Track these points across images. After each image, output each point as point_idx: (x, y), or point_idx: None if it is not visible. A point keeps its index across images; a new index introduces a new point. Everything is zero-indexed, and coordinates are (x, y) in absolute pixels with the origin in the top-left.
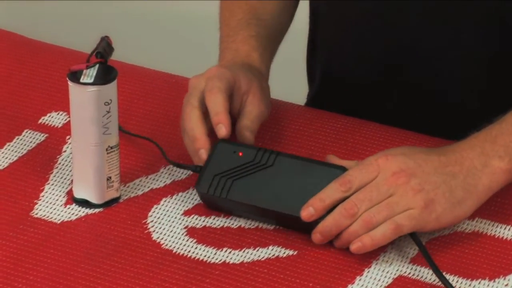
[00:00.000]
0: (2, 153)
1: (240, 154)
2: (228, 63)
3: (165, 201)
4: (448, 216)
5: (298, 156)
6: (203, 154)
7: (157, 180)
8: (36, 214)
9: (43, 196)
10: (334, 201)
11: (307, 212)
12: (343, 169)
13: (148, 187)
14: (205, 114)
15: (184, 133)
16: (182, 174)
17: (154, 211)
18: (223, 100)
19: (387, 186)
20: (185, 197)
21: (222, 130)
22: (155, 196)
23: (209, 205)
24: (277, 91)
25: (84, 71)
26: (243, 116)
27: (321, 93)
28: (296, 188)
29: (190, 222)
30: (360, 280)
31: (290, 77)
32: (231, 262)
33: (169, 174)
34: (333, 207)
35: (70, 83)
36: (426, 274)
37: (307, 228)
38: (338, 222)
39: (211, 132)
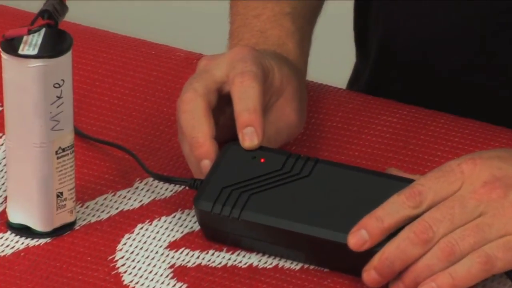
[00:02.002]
0: None
1: (262, 160)
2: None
3: (141, 228)
4: None
5: (344, 164)
6: (207, 166)
7: (130, 199)
8: None
9: None
10: (397, 222)
11: (357, 238)
12: (410, 182)
13: (117, 209)
14: (215, 108)
15: (181, 133)
16: (166, 190)
17: (125, 243)
18: (260, 93)
19: (476, 201)
20: (171, 222)
21: (253, 139)
22: (127, 222)
23: (210, 233)
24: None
25: (25, 38)
26: (265, 124)
27: (379, 72)
28: (342, 206)
29: (178, 259)
30: None
31: (324, 52)
32: None
33: (148, 190)
34: (396, 230)
35: (3, 56)
36: None
37: (356, 263)
38: (404, 252)
39: (223, 135)
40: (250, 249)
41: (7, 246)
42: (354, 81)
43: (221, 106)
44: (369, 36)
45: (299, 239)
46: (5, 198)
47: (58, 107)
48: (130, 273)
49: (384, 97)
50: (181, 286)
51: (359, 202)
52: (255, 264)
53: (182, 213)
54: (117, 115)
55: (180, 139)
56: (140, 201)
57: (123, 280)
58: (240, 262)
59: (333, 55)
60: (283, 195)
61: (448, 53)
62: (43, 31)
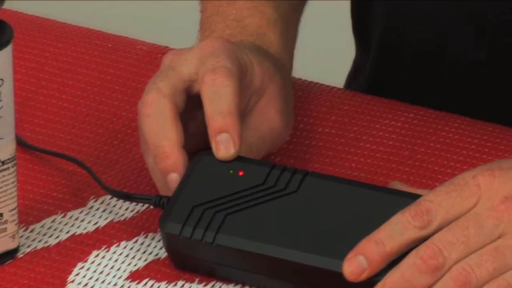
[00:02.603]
0: None
1: (241, 173)
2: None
3: (97, 256)
4: None
5: (338, 177)
6: (174, 180)
7: (83, 221)
8: None
9: None
10: (401, 245)
11: (354, 265)
12: (417, 198)
13: (68, 232)
14: (183, 111)
15: (143, 142)
16: (126, 210)
17: (78, 273)
18: (235, 92)
19: (494, 220)
20: (132, 248)
21: (229, 148)
22: (80, 248)
23: (179, 261)
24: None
25: None
26: (244, 131)
27: (381, 67)
28: (336, 228)
29: None
30: None
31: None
32: None
33: (105, 210)
34: (400, 256)
35: None
36: None
37: None
38: (409, 282)
39: (194, 143)
40: (227, 279)
41: None
42: (353, 78)
43: (191, 109)
44: (369, 26)
45: (285, 267)
46: None
47: None
48: None
49: (387, 96)
50: None
51: (356, 223)
52: None
53: (146, 237)
54: (67, 121)
55: (142, 149)
56: (96, 223)
57: None
58: None
59: (327, 49)
60: (266, 215)
61: (462, 43)
62: None
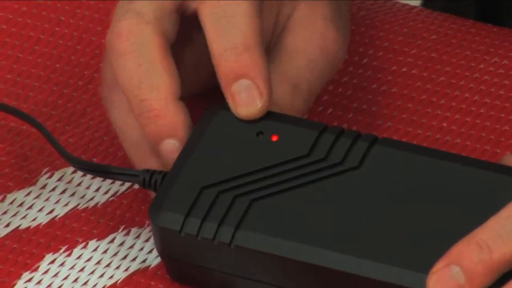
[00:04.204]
0: None
1: (275, 138)
2: None
3: (52, 262)
4: None
5: (423, 147)
6: (173, 149)
7: (31, 208)
8: None
9: None
10: None
11: (445, 281)
12: None
13: (7, 226)
14: (175, 42)
15: (114, 94)
16: (97, 192)
17: (26, 287)
18: (253, 11)
19: None
20: (106, 251)
21: (253, 101)
22: (25, 250)
23: (177, 272)
24: None
25: None
26: (279, 65)
27: None
28: (416, 226)
29: None
30: None
31: None
32: None
33: (64, 191)
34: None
35: None
36: None
37: None
38: None
39: (194, 84)
40: None
41: None
42: None
43: (186, 31)
44: None
45: (338, 281)
46: None
47: None
48: None
49: (491, 21)
50: None
51: (447, 218)
52: None
53: (127, 234)
54: (6, 52)
55: (111, 107)
56: (50, 211)
57: None
58: None
59: None
60: (313, 204)
61: None
62: None
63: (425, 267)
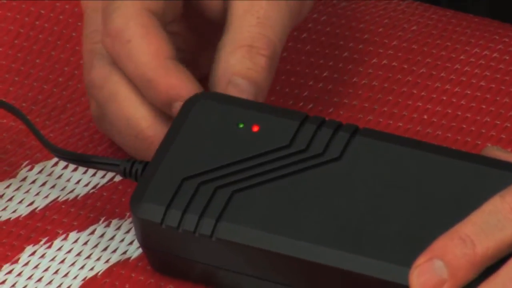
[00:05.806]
0: None
1: (256, 128)
2: None
3: (32, 254)
4: None
5: (405, 138)
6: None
7: (11, 200)
8: None
9: None
10: (499, 247)
11: (427, 275)
12: None
13: None
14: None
15: (95, 65)
16: (78, 184)
17: (4, 280)
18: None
19: None
20: (87, 243)
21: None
22: (5, 242)
23: (158, 263)
24: None
25: None
26: (230, 30)
27: None
28: (398, 217)
29: None
30: None
31: None
32: None
33: (44, 183)
34: (496, 262)
35: None
36: None
37: None
38: None
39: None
40: None
41: None
42: None
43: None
44: None
45: (320, 274)
46: None
47: None
48: None
49: (469, 11)
50: None
51: (430, 211)
52: None
53: (108, 225)
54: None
55: (88, 82)
56: (31, 203)
57: None
58: None
59: None
60: (294, 195)
61: None
62: None
63: (408, 261)
